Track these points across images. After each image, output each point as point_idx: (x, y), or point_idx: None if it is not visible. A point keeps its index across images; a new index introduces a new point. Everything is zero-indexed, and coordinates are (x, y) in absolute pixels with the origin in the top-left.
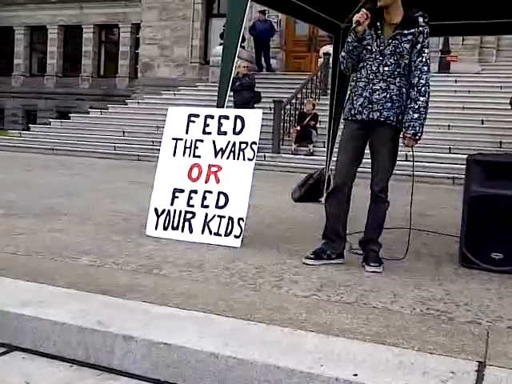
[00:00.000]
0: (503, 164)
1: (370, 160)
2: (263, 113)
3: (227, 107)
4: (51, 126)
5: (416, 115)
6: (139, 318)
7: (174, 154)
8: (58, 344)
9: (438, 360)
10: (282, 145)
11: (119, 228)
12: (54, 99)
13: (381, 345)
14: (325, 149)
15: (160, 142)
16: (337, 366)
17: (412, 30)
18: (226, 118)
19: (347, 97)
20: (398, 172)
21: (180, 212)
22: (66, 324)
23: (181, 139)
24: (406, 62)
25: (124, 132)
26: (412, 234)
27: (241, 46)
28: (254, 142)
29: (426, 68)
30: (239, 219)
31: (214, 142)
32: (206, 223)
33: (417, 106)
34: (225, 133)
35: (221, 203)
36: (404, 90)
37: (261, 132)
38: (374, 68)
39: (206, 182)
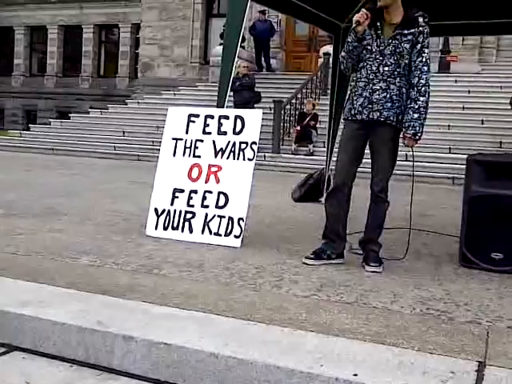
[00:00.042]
0: (503, 164)
1: (369, 160)
2: (263, 113)
3: (227, 107)
4: (51, 126)
5: (416, 115)
6: (139, 318)
7: (174, 154)
8: (58, 344)
9: (438, 360)
10: (282, 145)
11: (119, 228)
12: (54, 99)
13: (381, 345)
14: (325, 149)
15: (160, 141)
16: (337, 365)
17: (412, 30)
18: (226, 117)
19: (347, 97)
20: (398, 172)
21: (180, 212)
22: (65, 324)
23: (181, 139)
24: (406, 62)
25: (124, 132)
26: (412, 234)
27: (241, 46)
28: (253, 142)
29: (425, 68)
30: (239, 219)
31: (214, 141)
32: (206, 223)
33: (417, 106)
34: (225, 133)
35: (221, 203)
36: (404, 89)
37: (261, 132)
38: (374, 68)
39: (206, 182)
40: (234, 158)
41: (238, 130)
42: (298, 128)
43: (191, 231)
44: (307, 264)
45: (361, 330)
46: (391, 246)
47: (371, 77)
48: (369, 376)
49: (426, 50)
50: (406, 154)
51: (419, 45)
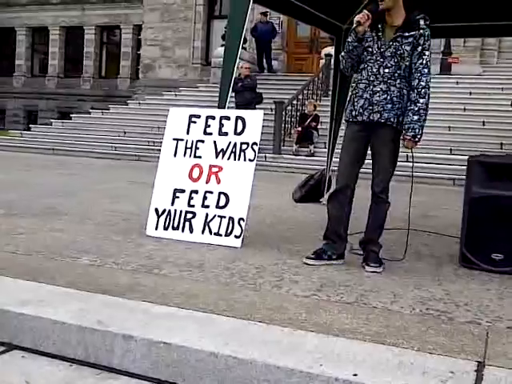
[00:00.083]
0: (504, 165)
1: (371, 161)
2: (264, 114)
3: (228, 108)
4: (52, 126)
5: (416, 117)
6: (139, 318)
7: (175, 155)
8: (58, 343)
9: (438, 360)
10: (283, 145)
11: (119, 228)
12: (56, 100)
13: (381, 345)
14: (326, 150)
15: (161, 142)
16: (337, 365)
17: (413, 33)
18: (227, 118)
19: (348, 98)
20: (398, 173)
21: (180, 212)
22: (65, 323)
23: (182, 140)
24: (407, 64)
25: (125, 132)
26: (413, 235)
27: (242, 48)
28: (254, 143)
29: (426, 70)
30: (240, 219)
31: (214, 142)
32: (206, 223)
33: (416, 108)
34: (226, 133)
35: (221, 203)
36: (405, 91)
37: (262, 133)
38: (375, 70)
39: (206, 183)
40: (235, 159)
41: (239, 130)
42: (299, 129)
43: (192, 231)
44: (308, 264)
45: (361, 330)
46: (391, 246)
47: (372, 78)
48: (369, 376)
49: (427, 53)
50: (407, 155)
51: (420, 47)
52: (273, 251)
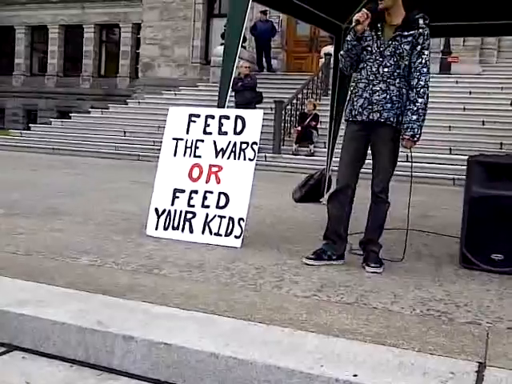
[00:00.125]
0: (504, 165)
1: (370, 161)
2: (264, 113)
3: (228, 107)
4: (52, 125)
5: (414, 117)
6: (139, 318)
7: (175, 154)
8: (58, 344)
9: (438, 361)
10: (283, 145)
11: (119, 228)
12: (55, 99)
13: (381, 345)
14: (325, 149)
15: (161, 141)
16: (337, 366)
17: (412, 32)
18: (227, 118)
19: (348, 98)
20: (398, 173)
21: (180, 212)
22: (65, 324)
23: (181, 139)
24: (406, 63)
25: (125, 132)
26: (413, 235)
27: (242, 46)
28: (254, 142)
29: (425, 69)
30: (240, 219)
31: (214, 142)
32: (206, 223)
33: (415, 108)
34: (225, 133)
35: (221, 203)
36: (404, 90)
37: (261, 132)
38: (374, 69)
39: (206, 182)
40: (235, 158)
41: (238, 130)
42: (299, 128)
43: (191, 231)
44: (308, 264)
45: (361, 331)
46: (391, 246)
47: (371, 78)
48: (369, 377)
49: (426, 52)
50: (407, 155)
51: (419, 46)
52: (273, 251)
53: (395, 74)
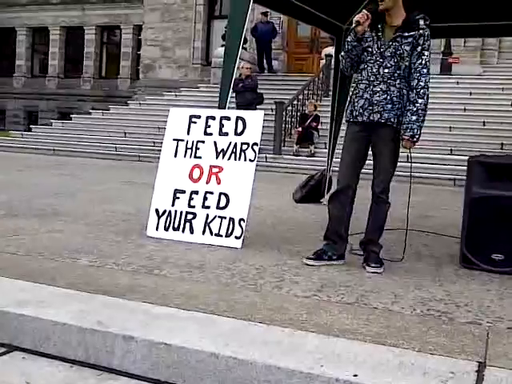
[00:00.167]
0: (504, 165)
1: (371, 161)
2: (265, 114)
3: (229, 108)
4: (52, 126)
5: (414, 117)
6: (139, 319)
7: (176, 155)
8: (59, 344)
9: (439, 360)
10: (284, 146)
11: (119, 229)
12: (56, 100)
13: (381, 345)
14: (326, 150)
15: (161, 142)
16: (337, 366)
17: (412, 33)
18: (228, 118)
19: (348, 98)
20: (399, 173)
21: (181, 213)
22: (66, 324)
23: (182, 140)
24: (407, 64)
25: (125, 133)
26: (413, 235)
27: (243, 48)
28: (255, 143)
29: (425, 70)
30: (240, 220)
31: (215, 142)
32: (206, 224)
33: (415, 109)
34: (226, 134)
35: (222, 204)
36: (404, 91)
37: (262, 133)
38: (375, 70)
39: (207, 183)
40: (236, 159)
41: (239, 130)
42: (300, 129)
43: (192, 232)
44: (308, 265)
45: (361, 331)
46: (392, 246)
47: (372, 79)
48: (369, 377)
49: (426, 53)
50: (408, 156)
51: (419, 47)
52: (273, 252)
53: (395, 74)
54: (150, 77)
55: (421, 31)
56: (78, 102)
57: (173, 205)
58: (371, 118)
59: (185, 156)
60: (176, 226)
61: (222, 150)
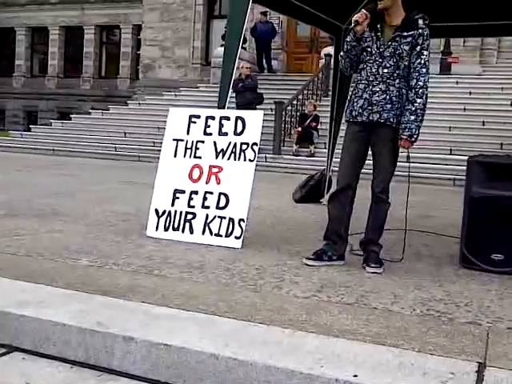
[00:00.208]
0: (504, 165)
1: (371, 161)
2: (264, 114)
3: (228, 108)
4: (52, 126)
5: (413, 117)
6: (139, 319)
7: (175, 155)
8: (58, 345)
9: (438, 361)
10: (283, 146)
11: (119, 229)
12: (55, 100)
13: (381, 346)
14: (326, 150)
15: (161, 142)
16: (337, 366)
17: (411, 32)
18: (227, 118)
19: (348, 98)
20: (399, 173)
21: (181, 213)
22: (66, 325)
23: (182, 140)
24: (406, 63)
25: (125, 133)
26: (413, 235)
27: (242, 48)
28: (254, 143)
29: (424, 70)
30: (240, 220)
31: (214, 142)
32: (206, 224)
33: (414, 108)
34: (226, 134)
35: (221, 204)
36: (404, 91)
37: (262, 133)
38: (374, 70)
39: (206, 183)
40: (235, 159)
41: (238, 130)
42: (299, 129)
43: (192, 232)
44: (308, 265)
45: (361, 331)
46: (391, 246)
47: (371, 79)
48: (369, 377)
49: (425, 52)
50: (408, 156)
51: (418, 47)
52: (273, 252)
53: (395, 74)
54: (150, 77)
55: (420, 31)
56: (78, 101)
57: (172, 205)
58: (370, 117)
59: (184, 156)
60: (176, 226)
61: (222, 149)
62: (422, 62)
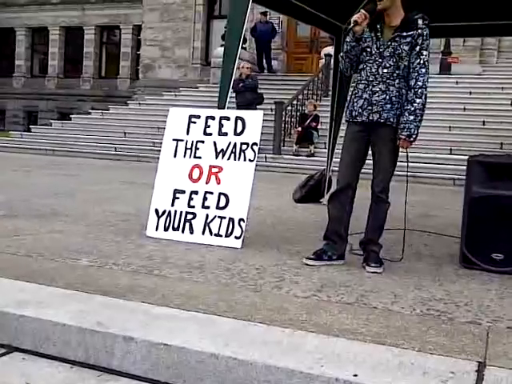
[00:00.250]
0: (504, 165)
1: (371, 161)
2: (264, 114)
3: (228, 108)
4: (52, 127)
5: (412, 117)
6: (139, 319)
7: (175, 155)
8: (58, 345)
9: (438, 360)
10: (283, 146)
11: (119, 229)
12: (55, 100)
13: (381, 345)
14: (326, 150)
15: (161, 142)
16: (337, 366)
17: (411, 32)
18: (227, 118)
19: (348, 98)
20: (399, 173)
21: (181, 213)
22: (65, 325)
23: (181, 140)
24: (406, 63)
25: (125, 133)
26: (413, 235)
27: (242, 48)
28: (254, 143)
29: (423, 70)
30: (240, 220)
31: (214, 142)
32: (206, 224)
33: (413, 108)
34: (226, 134)
35: (221, 204)
36: (403, 91)
37: (262, 133)
38: (374, 70)
39: (206, 183)
40: (235, 159)
41: (238, 130)
42: (299, 129)
43: (192, 232)
44: (308, 265)
45: (361, 331)
46: (392, 246)
47: (371, 79)
48: (369, 376)
49: (425, 52)
50: (408, 155)
51: (418, 47)
52: (273, 252)
53: (395, 74)
54: (150, 77)
55: (419, 31)
56: (78, 102)
57: (172, 205)
58: (370, 117)
59: (184, 156)
60: (176, 226)
61: (222, 150)
62: (422, 62)
